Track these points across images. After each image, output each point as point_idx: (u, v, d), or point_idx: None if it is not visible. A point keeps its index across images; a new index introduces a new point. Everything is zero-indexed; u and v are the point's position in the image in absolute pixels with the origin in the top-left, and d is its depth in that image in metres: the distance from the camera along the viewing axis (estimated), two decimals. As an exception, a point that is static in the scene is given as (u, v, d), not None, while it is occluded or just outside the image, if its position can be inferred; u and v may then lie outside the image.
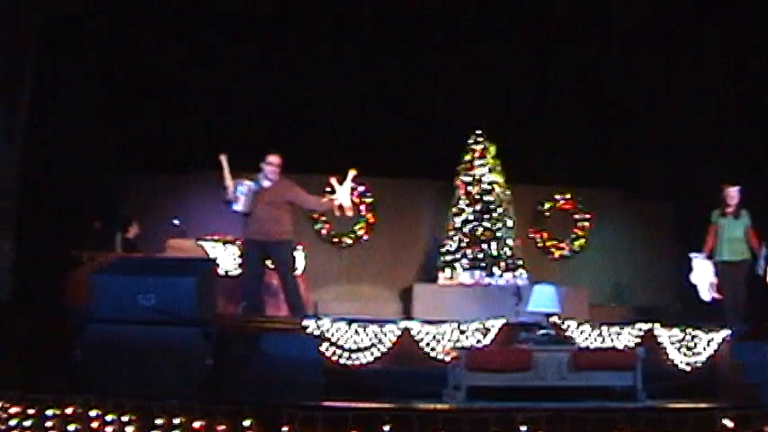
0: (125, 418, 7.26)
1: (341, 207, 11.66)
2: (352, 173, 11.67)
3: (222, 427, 7.08)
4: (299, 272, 13.58)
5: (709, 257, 12.56)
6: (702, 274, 12.61)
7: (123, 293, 8.73)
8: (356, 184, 15.64)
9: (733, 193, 12.55)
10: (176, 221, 13.33)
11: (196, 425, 7.12)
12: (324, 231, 16.08)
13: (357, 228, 16.31)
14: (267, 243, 11.23)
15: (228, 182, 11.30)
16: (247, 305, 11.22)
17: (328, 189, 12.18)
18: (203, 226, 13.88)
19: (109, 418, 7.31)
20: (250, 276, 11.37)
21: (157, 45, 14.69)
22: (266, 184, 11.39)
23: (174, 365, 8.38)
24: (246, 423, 7.07)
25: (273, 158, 11.46)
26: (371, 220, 16.35)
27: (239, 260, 12.20)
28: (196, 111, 15.10)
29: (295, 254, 11.81)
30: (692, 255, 12.70)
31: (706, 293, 12.57)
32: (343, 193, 11.64)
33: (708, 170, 14.74)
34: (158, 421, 7.19)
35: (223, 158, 11.38)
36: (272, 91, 15.46)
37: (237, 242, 12.99)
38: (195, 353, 8.56)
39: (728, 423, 7.71)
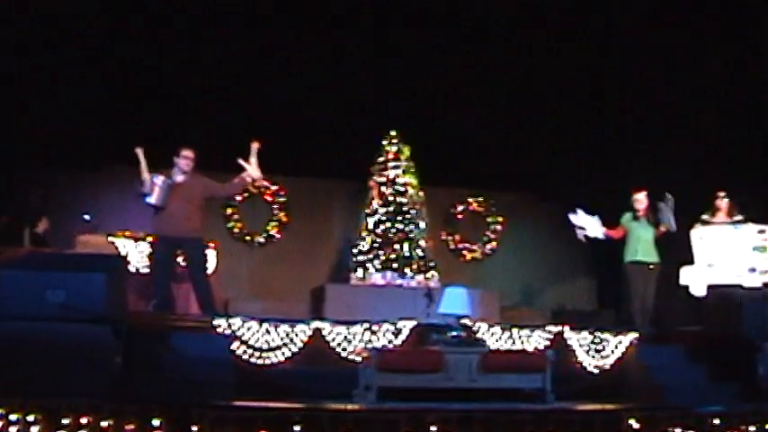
0: (30, 418, 7.10)
1: (253, 181, 11.76)
2: (255, 145, 11.55)
3: (131, 427, 7.01)
4: (210, 270, 13.52)
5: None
6: (588, 221, 12.80)
7: (31, 289, 8.57)
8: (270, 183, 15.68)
9: (641, 197, 12.77)
10: (87, 217, 13.16)
11: (104, 424, 7.03)
12: (236, 230, 15.98)
13: (269, 227, 16.25)
14: (178, 240, 11.11)
15: (145, 175, 11.16)
16: (158, 303, 11.08)
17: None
18: (114, 222, 13.71)
19: (13, 417, 7.13)
20: (160, 273, 11.24)
21: (70, 40, 14.45)
22: (179, 178, 11.28)
23: (83, 363, 8.22)
24: (156, 422, 7.02)
25: (188, 152, 11.36)
26: (284, 220, 16.30)
27: (150, 257, 12.04)
28: (108, 106, 14.88)
29: (207, 251, 11.68)
30: (571, 216, 12.88)
31: (598, 230, 12.75)
32: (252, 167, 11.54)
33: (619, 175, 14.98)
34: (65, 421, 7.06)
35: (139, 152, 11.29)
36: (185, 87, 15.31)
37: (149, 239, 12.86)
38: (104, 351, 8.45)
39: (635, 424, 7.87)
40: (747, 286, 11.91)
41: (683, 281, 12.66)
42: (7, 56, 13.71)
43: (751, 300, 10.90)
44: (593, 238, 12.88)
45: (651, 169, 14.87)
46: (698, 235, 12.56)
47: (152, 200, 11.05)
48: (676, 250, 12.69)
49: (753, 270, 12.11)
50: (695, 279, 12.42)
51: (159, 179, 11.07)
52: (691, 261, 12.59)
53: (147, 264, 12.52)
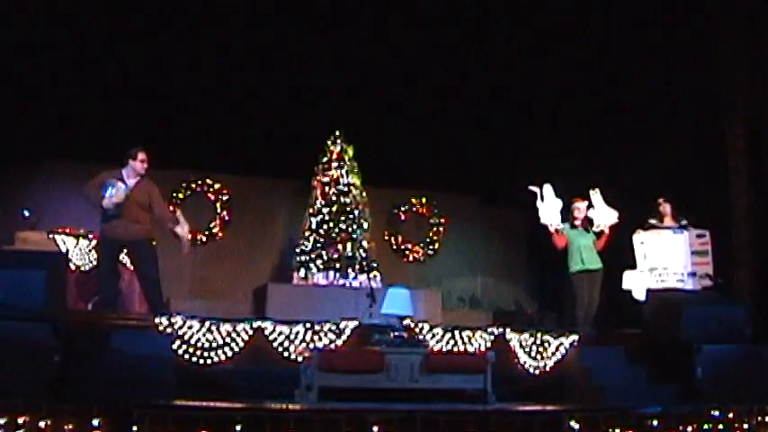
0: (-34, 417, 7.01)
1: (180, 240, 11.44)
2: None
3: (70, 427, 6.93)
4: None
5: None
6: (550, 204, 12.83)
7: (-32, 286, 8.48)
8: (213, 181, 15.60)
9: (580, 207, 12.83)
10: (26, 213, 12.99)
11: (42, 424, 6.94)
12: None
13: (212, 225, 16.16)
14: (127, 241, 10.90)
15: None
16: (100, 301, 10.97)
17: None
18: (55, 218, 13.56)
19: (-52, 416, 7.06)
20: (106, 272, 10.96)
21: (8, 32, 14.26)
22: (131, 182, 11.00)
23: (21, 362, 8.13)
24: (95, 422, 6.95)
25: (143, 155, 11.07)
26: (227, 218, 16.22)
27: (95, 255, 11.86)
28: (48, 99, 14.72)
29: (155, 252, 11.51)
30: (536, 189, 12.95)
31: (553, 219, 12.81)
32: (184, 232, 11.39)
33: (563, 179, 15.08)
34: (1, 421, 6.95)
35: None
36: (129, 83, 15.22)
37: (90, 236, 12.75)
38: (43, 349, 8.34)
39: (575, 425, 7.92)
40: (688, 290, 12.05)
41: (625, 285, 12.79)
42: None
43: (690, 303, 11.02)
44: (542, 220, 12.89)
45: (595, 174, 15.00)
46: (639, 240, 12.68)
47: (109, 203, 10.67)
48: (619, 255, 12.81)
49: (693, 274, 12.27)
50: (637, 283, 12.55)
51: (119, 184, 10.75)
52: (633, 266, 12.72)
53: (90, 262, 12.41)
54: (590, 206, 12.77)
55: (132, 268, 11.49)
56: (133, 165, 11.02)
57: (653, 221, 12.85)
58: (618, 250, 12.84)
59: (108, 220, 10.79)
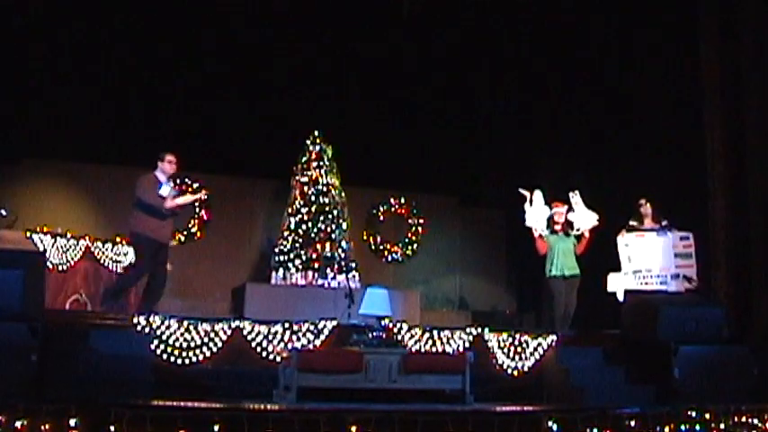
0: (-59, 417, 6.97)
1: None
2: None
3: (47, 427, 6.90)
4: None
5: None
6: (537, 208, 12.86)
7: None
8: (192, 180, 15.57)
9: (560, 211, 12.86)
10: (2, 212, 12.92)
11: (18, 424, 6.91)
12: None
13: (191, 225, 16.11)
14: (165, 242, 11.28)
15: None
16: (115, 293, 11.14)
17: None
18: (33, 217, 13.50)
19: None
20: (140, 273, 11.26)
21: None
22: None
23: (-2, 361, 8.11)
24: (72, 422, 6.92)
25: (172, 157, 11.35)
26: (205, 218, 16.18)
27: (133, 254, 11.76)
28: (27, 97, 14.66)
29: None
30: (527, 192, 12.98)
31: (539, 222, 12.84)
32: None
33: (544, 181, 15.13)
34: (-22, 420, 6.95)
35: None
36: (109, 82, 15.18)
37: (69, 235, 12.76)
38: (20, 349, 8.31)
39: (553, 425, 7.95)
40: (671, 292, 12.10)
41: (610, 287, 12.82)
42: None
43: (668, 304, 11.07)
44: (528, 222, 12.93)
45: (576, 176, 15.05)
46: (623, 242, 12.72)
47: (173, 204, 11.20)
48: (603, 257, 12.85)
49: (676, 276, 12.31)
50: (622, 285, 12.58)
51: (168, 188, 11.21)
52: (617, 268, 12.76)
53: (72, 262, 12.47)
54: (570, 209, 12.79)
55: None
56: (162, 167, 11.29)
57: (633, 223, 12.88)
58: (602, 252, 12.87)
59: (156, 221, 11.09)
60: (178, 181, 11.30)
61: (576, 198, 12.75)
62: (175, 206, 11.20)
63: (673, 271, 12.41)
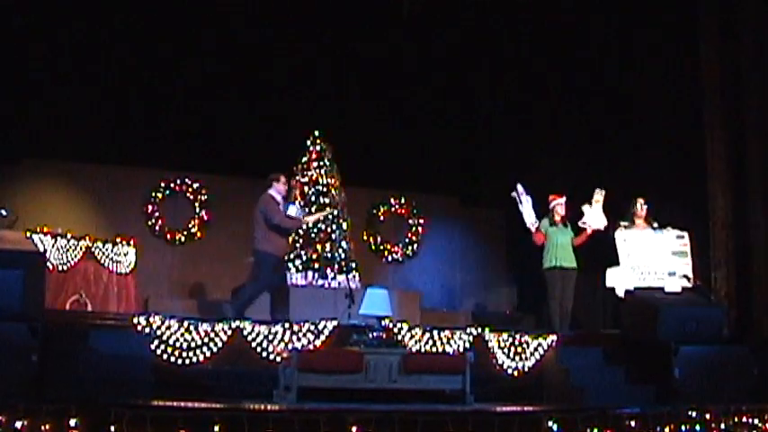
0: (-58, 417, 6.97)
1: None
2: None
3: (47, 427, 6.90)
4: (129, 269, 13.42)
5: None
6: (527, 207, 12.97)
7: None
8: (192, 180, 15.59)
9: (560, 202, 12.89)
10: (3, 212, 12.92)
11: (18, 425, 6.92)
12: (157, 228, 15.81)
13: (190, 225, 16.10)
14: (282, 259, 12.52)
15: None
16: (243, 305, 11.64)
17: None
18: (33, 217, 13.49)
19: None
20: (263, 287, 11.96)
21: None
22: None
23: (-2, 362, 8.12)
24: (73, 422, 6.92)
25: (284, 178, 12.44)
26: (206, 218, 16.17)
27: (256, 268, 12.20)
28: (26, 97, 14.65)
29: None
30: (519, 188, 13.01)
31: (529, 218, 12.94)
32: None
33: (542, 179, 15.14)
34: (-22, 420, 6.95)
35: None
36: (109, 82, 15.18)
37: (69, 235, 12.77)
38: (20, 349, 8.32)
39: (553, 425, 7.95)
40: (668, 290, 12.09)
41: (609, 283, 12.81)
42: None
43: (668, 303, 11.07)
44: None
45: (572, 174, 15.05)
46: (622, 237, 12.72)
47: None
48: (601, 253, 12.85)
49: (672, 274, 12.30)
50: (620, 281, 12.58)
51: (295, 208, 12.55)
52: (615, 263, 12.75)
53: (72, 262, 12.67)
54: (588, 204, 12.82)
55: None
56: (277, 187, 12.28)
57: (624, 223, 12.87)
58: (600, 248, 12.87)
59: (280, 238, 12.14)
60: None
61: (599, 196, 12.77)
62: (305, 223, 12.77)
63: (669, 269, 12.40)
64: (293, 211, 12.34)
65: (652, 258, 12.42)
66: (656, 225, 12.74)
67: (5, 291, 8.53)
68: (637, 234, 12.60)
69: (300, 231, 14.90)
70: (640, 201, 12.83)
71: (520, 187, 12.95)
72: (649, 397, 10.08)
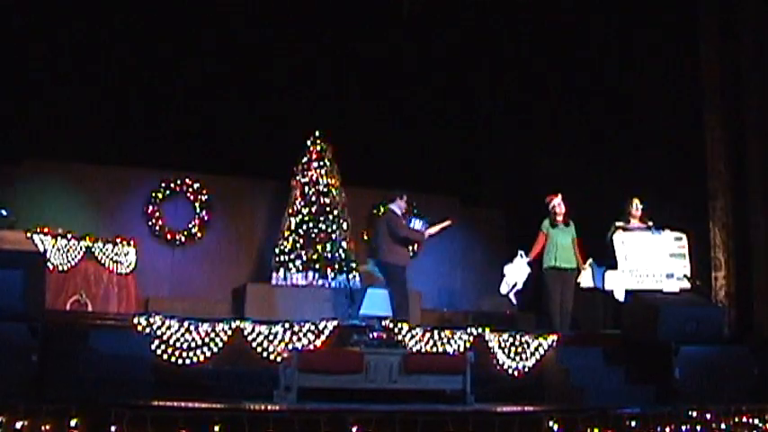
0: (-58, 417, 6.97)
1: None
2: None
3: (47, 427, 6.91)
4: (129, 269, 13.42)
5: (530, 264, 12.95)
6: (516, 273, 13.01)
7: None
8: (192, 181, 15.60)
9: (558, 202, 12.90)
10: (4, 212, 12.92)
11: (19, 425, 6.92)
12: (157, 228, 15.79)
13: (191, 225, 16.09)
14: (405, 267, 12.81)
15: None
16: (401, 313, 11.89)
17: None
18: (33, 218, 13.48)
19: (-77, 416, 7.01)
20: (405, 292, 12.52)
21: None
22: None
23: (-2, 362, 8.12)
24: (73, 423, 6.92)
25: (406, 197, 13.17)
26: (206, 218, 16.15)
27: (390, 279, 12.63)
28: (27, 98, 14.65)
29: None
30: (521, 252, 13.01)
31: (505, 287, 12.98)
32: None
33: (538, 180, 15.16)
34: (-21, 420, 6.95)
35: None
36: (109, 82, 15.18)
37: (69, 236, 12.79)
38: (21, 349, 8.32)
39: (554, 425, 7.95)
40: (666, 291, 12.10)
41: (607, 285, 12.81)
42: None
43: (667, 304, 11.08)
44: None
45: (572, 173, 15.06)
46: (620, 239, 12.72)
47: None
48: (600, 255, 12.86)
49: (671, 276, 12.31)
50: (619, 284, 12.58)
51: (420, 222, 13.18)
52: (614, 266, 12.76)
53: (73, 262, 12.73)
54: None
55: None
56: (399, 204, 13.07)
57: (620, 224, 12.87)
58: (599, 250, 12.88)
59: (402, 249, 12.83)
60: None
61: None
62: (429, 236, 13.14)
63: (667, 270, 12.40)
64: (418, 224, 13.06)
65: (650, 261, 12.42)
66: (651, 224, 12.74)
67: (6, 291, 8.54)
68: (634, 236, 12.60)
69: (300, 231, 14.92)
70: (636, 200, 12.83)
71: (526, 259, 13.15)
72: (649, 397, 10.08)
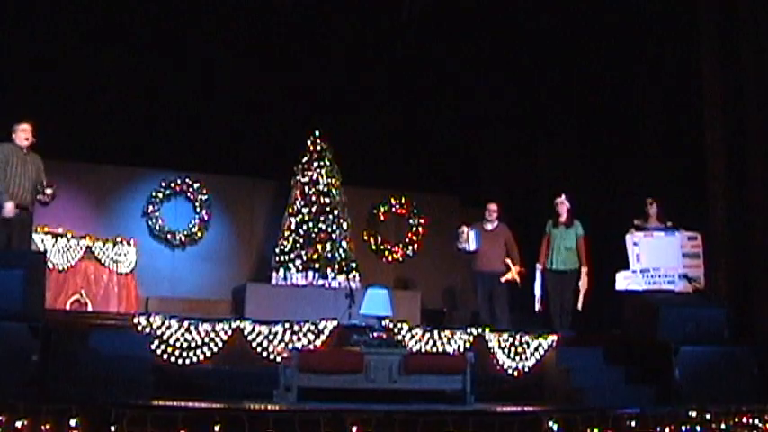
0: (-58, 416, 6.97)
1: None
2: None
3: (47, 427, 6.91)
4: (129, 269, 13.43)
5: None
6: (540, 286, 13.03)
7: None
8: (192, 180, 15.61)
9: (560, 202, 12.90)
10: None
11: (18, 424, 6.92)
12: (157, 228, 15.78)
13: (191, 225, 16.08)
14: (492, 274, 13.09)
15: (463, 228, 13.54)
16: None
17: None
18: (35, 217, 13.48)
19: (-75, 416, 7.01)
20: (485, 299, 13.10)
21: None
22: (489, 227, 13.46)
23: (-2, 361, 8.12)
24: (73, 422, 6.93)
25: (494, 206, 13.55)
26: (206, 218, 16.14)
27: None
28: (28, 97, 14.60)
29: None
30: (539, 266, 13.01)
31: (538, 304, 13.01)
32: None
33: (542, 180, 15.16)
34: (-22, 420, 6.95)
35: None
36: (110, 83, 15.15)
37: (69, 235, 12.81)
38: (21, 349, 8.32)
39: (554, 425, 7.95)
40: (678, 291, 12.11)
41: (618, 286, 12.80)
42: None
43: (668, 304, 11.07)
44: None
45: (572, 173, 15.06)
46: (632, 240, 12.72)
47: (471, 248, 13.36)
48: (609, 255, 12.86)
49: (683, 276, 12.30)
50: (630, 284, 12.58)
51: (473, 231, 13.37)
52: (625, 266, 12.76)
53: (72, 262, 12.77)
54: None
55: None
56: (487, 214, 13.56)
57: (638, 222, 12.88)
58: (609, 251, 12.88)
59: (477, 257, 13.38)
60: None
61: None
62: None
63: (680, 271, 12.41)
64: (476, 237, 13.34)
65: (663, 260, 12.42)
66: (669, 224, 12.74)
67: (6, 291, 8.54)
68: (647, 237, 12.60)
69: (301, 231, 14.94)
70: (650, 201, 12.85)
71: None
72: (649, 397, 10.07)
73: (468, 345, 11.12)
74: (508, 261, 13.16)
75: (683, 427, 8.57)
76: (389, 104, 16.76)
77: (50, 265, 12.25)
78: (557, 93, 16.49)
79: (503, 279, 13.07)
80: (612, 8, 14.93)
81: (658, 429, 8.45)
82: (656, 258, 12.50)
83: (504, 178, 16.87)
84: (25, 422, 6.92)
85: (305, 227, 15.05)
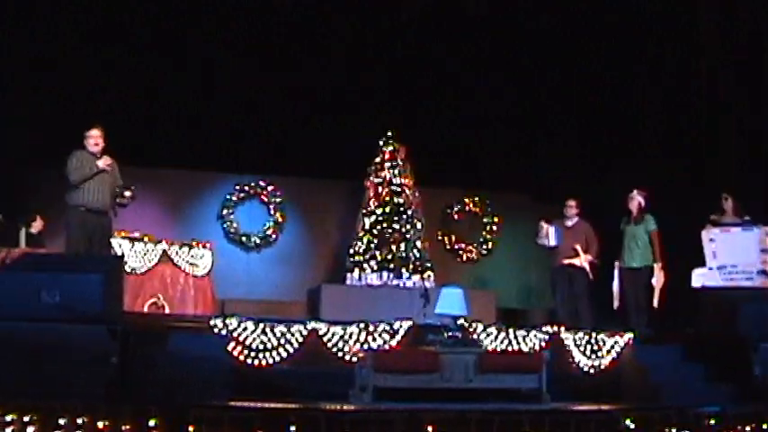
0: (26, 419, 7.08)
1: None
2: None
3: (127, 427, 7.01)
4: (205, 272, 13.57)
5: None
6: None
7: (27, 290, 8.60)
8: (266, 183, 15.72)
9: (631, 197, 12.78)
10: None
11: (100, 425, 7.03)
12: (232, 231, 15.92)
13: (265, 227, 16.20)
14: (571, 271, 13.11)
15: (543, 224, 13.46)
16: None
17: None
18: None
19: (9, 418, 7.12)
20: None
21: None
22: (568, 223, 13.39)
23: (79, 364, 8.23)
24: (152, 423, 7.02)
25: (573, 202, 13.41)
26: (280, 220, 16.25)
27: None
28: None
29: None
30: (617, 263, 12.93)
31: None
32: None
33: (614, 175, 15.05)
34: (61, 421, 7.06)
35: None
36: (186, 89, 15.27)
37: (146, 239, 12.99)
38: (100, 352, 8.45)
39: (631, 424, 7.88)
40: (757, 287, 11.93)
41: (694, 283, 12.65)
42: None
43: (748, 300, 10.90)
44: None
45: (648, 170, 14.92)
46: (708, 236, 12.56)
47: (551, 244, 13.30)
48: (684, 252, 12.73)
49: (762, 272, 12.11)
50: (706, 282, 12.42)
51: (552, 227, 13.28)
52: (700, 263, 12.61)
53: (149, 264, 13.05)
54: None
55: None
56: (566, 211, 13.48)
57: (714, 217, 12.73)
58: (685, 248, 12.76)
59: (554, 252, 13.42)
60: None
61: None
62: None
63: (759, 267, 12.21)
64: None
65: (741, 257, 12.24)
66: (747, 218, 12.56)
67: (86, 294, 8.67)
68: (724, 233, 12.43)
69: (375, 231, 14.97)
70: (725, 195, 12.69)
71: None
72: (729, 395, 9.91)
73: (543, 343, 11.07)
74: (577, 247, 13.07)
75: (765, 426, 8.41)
76: (461, 103, 16.69)
77: (128, 269, 12.41)
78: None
79: (566, 261, 13.04)
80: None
81: (739, 428, 8.31)
82: (734, 254, 12.31)
83: (576, 174, 16.73)
84: (106, 422, 7.03)
85: (379, 227, 15.08)
